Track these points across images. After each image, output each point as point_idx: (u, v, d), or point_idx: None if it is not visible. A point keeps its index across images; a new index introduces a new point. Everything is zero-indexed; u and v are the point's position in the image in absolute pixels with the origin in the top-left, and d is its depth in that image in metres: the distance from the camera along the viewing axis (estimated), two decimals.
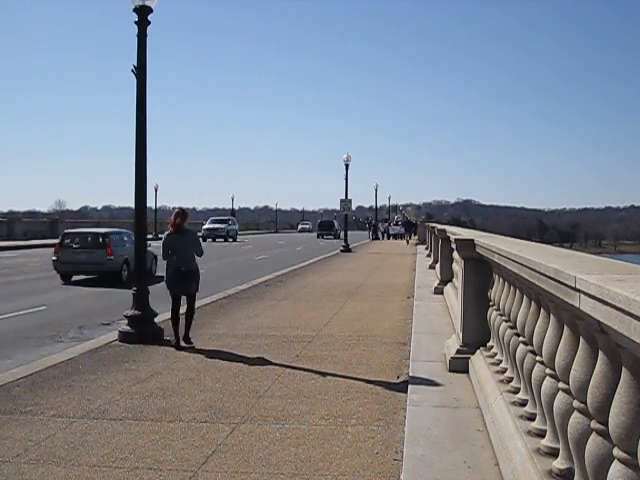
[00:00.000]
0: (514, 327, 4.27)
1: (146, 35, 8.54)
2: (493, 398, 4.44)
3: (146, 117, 8.67)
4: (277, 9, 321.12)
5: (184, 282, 8.09)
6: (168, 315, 8.38)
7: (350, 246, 32.98)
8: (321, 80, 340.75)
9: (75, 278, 16.57)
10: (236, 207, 78.13)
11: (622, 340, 2.02)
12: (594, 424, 2.33)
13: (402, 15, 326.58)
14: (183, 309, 8.19)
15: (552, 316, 3.20)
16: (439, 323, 8.87)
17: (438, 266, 13.61)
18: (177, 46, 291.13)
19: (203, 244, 9.09)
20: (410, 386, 5.62)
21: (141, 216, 8.74)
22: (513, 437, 3.57)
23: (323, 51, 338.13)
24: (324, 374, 6.58)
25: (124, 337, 8.24)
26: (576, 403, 2.61)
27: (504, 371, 4.73)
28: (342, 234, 39.85)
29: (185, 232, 8.26)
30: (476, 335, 5.96)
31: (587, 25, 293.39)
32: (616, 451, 2.08)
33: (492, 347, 5.51)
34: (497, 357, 5.19)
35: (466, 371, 5.82)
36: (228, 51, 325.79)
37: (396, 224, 56.70)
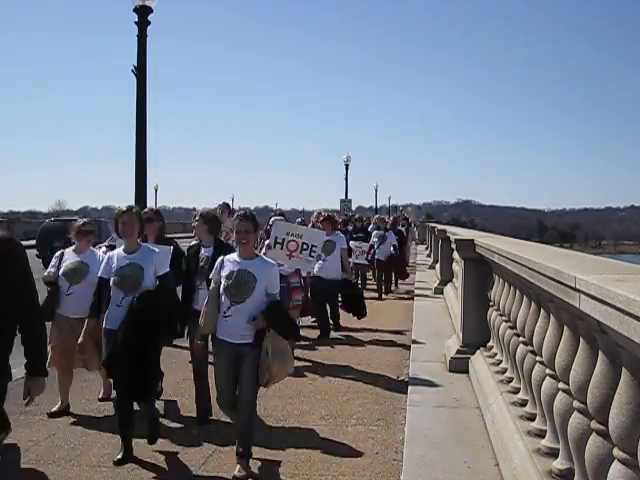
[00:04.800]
0: (514, 327, 4.27)
1: (146, 35, 8.57)
2: (493, 398, 4.43)
3: (146, 117, 8.70)
4: (277, 15, 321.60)
5: None
6: None
7: None
8: (321, 82, 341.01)
9: None
10: (236, 207, 77.86)
11: (622, 340, 2.02)
12: (594, 424, 2.33)
13: (401, 20, 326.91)
14: None
15: (552, 316, 3.20)
16: (439, 323, 8.86)
17: (438, 266, 13.59)
18: (178, 51, 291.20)
19: None
20: (410, 386, 5.61)
21: None
22: (513, 437, 3.57)
23: (323, 55, 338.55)
24: (324, 374, 6.58)
25: None
26: (576, 403, 2.61)
27: (504, 371, 4.73)
28: None
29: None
30: (476, 335, 5.95)
31: (587, 27, 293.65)
32: (616, 451, 2.08)
33: (492, 347, 5.51)
34: (497, 357, 5.18)
35: (466, 371, 5.81)
36: (229, 55, 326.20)
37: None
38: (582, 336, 2.64)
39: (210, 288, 4.21)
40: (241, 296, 3.97)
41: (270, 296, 4.02)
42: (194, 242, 5.45)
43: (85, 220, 5.53)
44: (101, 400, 5.58)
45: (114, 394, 4.64)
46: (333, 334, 8.68)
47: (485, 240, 5.67)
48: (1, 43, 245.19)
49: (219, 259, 4.21)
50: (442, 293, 11.70)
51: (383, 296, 12.97)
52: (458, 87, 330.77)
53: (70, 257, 5.33)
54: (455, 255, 9.21)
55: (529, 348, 3.71)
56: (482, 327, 5.77)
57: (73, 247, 5.39)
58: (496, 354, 5.27)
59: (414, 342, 7.64)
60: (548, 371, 3.17)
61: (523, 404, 3.93)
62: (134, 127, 8.65)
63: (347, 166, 35.89)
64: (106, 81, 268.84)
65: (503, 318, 4.78)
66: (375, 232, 13.76)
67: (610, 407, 2.14)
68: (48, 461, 4.25)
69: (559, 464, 2.93)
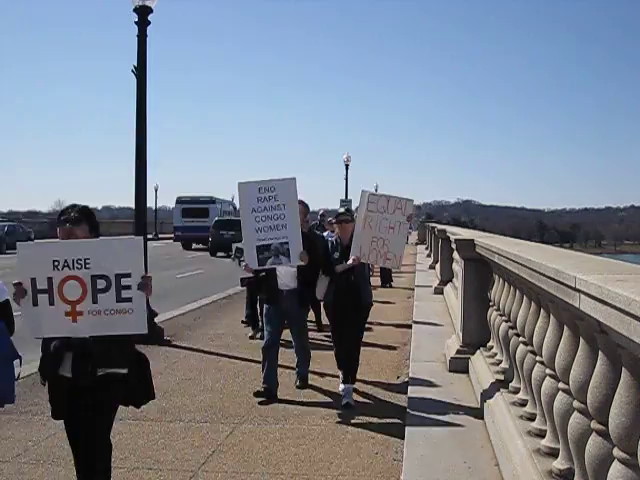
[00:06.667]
0: (514, 327, 4.27)
1: (146, 35, 8.56)
2: (493, 398, 4.44)
3: (146, 116, 8.68)
4: (278, 15, 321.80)
5: None
6: (168, 315, 8.31)
7: None
8: (321, 82, 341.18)
9: None
10: (236, 207, 77.88)
11: (622, 340, 2.02)
12: (594, 424, 2.33)
13: (402, 20, 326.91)
14: None
15: (552, 316, 3.19)
16: (439, 323, 8.86)
17: (438, 266, 13.59)
18: (178, 51, 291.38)
19: None
20: (410, 386, 5.61)
21: (141, 216, 8.73)
22: (513, 437, 3.57)
23: (324, 55, 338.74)
24: (324, 374, 6.58)
25: None
26: (576, 403, 2.60)
27: (504, 371, 4.73)
28: None
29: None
30: (476, 335, 5.95)
31: (587, 27, 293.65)
32: (616, 451, 2.08)
33: (492, 347, 5.51)
34: (497, 357, 5.18)
35: (466, 371, 5.81)
36: (229, 55, 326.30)
37: None
38: (582, 336, 2.64)
39: None
40: None
41: None
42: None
43: None
44: None
45: None
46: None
47: (485, 240, 5.67)
48: (1, 43, 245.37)
49: None
50: (442, 293, 11.70)
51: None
52: (458, 87, 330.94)
53: None
54: (455, 255, 9.20)
55: (529, 348, 3.71)
56: (482, 327, 5.77)
57: None
58: (496, 354, 5.27)
59: (414, 342, 7.64)
60: (548, 371, 3.16)
61: (523, 404, 3.93)
62: (134, 127, 8.64)
63: (347, 166, 35.82)
64: (106, 81, 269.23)
65: (503, 318, 4.77)
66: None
67: (610, 407, 2.14)
68: (48, 461, 4.25)
69: (559, 464, 2.93)
